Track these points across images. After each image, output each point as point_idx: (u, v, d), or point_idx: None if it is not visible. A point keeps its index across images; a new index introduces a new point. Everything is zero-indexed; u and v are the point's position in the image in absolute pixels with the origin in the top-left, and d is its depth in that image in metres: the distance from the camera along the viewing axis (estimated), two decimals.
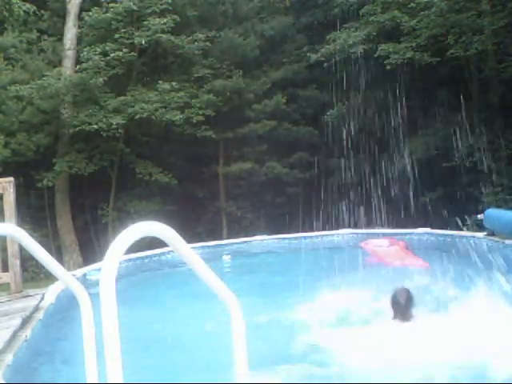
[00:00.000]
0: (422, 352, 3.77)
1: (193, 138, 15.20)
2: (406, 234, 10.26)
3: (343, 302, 5.39)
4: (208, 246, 9.69)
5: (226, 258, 9.59)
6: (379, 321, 4.57)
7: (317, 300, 5.58)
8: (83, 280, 6.70)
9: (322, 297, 5.63)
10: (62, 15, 15.31)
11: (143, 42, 14.08)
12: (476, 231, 10.13)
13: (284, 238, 11.38)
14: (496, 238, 8.42)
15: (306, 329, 4.69)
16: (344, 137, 17.02)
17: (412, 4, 13.09)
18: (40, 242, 2.18)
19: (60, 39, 15.09)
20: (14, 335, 4.37)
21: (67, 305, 5.26)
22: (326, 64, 14.89)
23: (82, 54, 14.12)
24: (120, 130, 13.75)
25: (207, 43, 15.22)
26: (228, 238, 13.97)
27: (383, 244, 9.89)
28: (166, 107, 14.03)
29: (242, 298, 2.15)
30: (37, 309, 5.36)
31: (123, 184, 15.01)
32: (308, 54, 15.73)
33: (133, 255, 8.16)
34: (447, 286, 5.84)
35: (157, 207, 14.08)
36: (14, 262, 6.07)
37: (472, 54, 12.74)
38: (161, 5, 14.32)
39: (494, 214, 8.82)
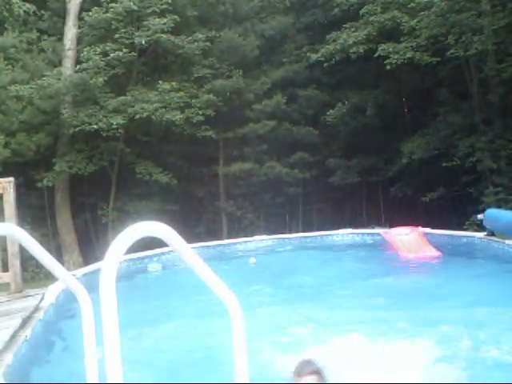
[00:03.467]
0: None
1: (193, 138, 15.19)
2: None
3: None
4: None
5: (252, 260, 9.82)
6: None
7: None
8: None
9: None
10: (62, 15, 15.29)
11: (143, 42, 14.06)
12: (476, 231, 10.15)
13: (284, 238, 11.44)
14: (496, 238, 8.43)
15: None
16: (344, 137, 17.04)
17: (412, 4, 13.08)
18: (40, 242, 2.17)
19: (60, 39, 15.07)
20: (14, 335, 4.37)
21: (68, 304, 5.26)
22: (326, 64, 14.89)
23: (82, 54, 14.10)
24: (120, 130, 13.74)
25: (207, 43, 15.20)
26: (228, 238, 13.98)
27: (403, 232, 9.95)
28: (165, 107, 14.02)
29: None
30: (37, 309, 5.36)
31: (123, 184, 15.00)
32: (308, 54, 15.73)
33: None
34: None
35: (157, 207, 14.07)
36: (14, 262, 6.08)
37: (472, 53, 12.73)
38: (161, 5, 14.30)
39: (494, 214, 8.83)
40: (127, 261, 8.63)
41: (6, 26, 14.21)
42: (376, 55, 13.57)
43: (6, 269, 6.14)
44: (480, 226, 9.73)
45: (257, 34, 16.62)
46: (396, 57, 13.16)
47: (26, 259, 7.48)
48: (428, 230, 10.30)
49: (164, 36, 14.19)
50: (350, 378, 3.71)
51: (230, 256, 10.38)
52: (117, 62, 14.03)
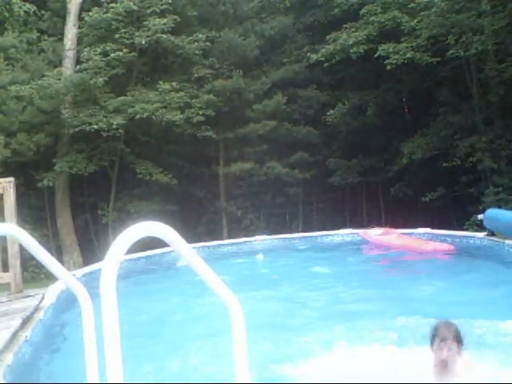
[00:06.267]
0: None
1: (193, 138, 15.19)
2: (406, 233, 10.31)
3: None
4: None
5: (260, 256, 9.84)
6: None
7: None
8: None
9: None
10: (62, 15, 15.29)
11: (143, 42, 14.07)
12: (476, 231, 10.15)
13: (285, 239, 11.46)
14: (496, 238, 8.43)
15: None
16: (344, 137, 17.03)
17: (412, 4, 13.09)
18: (40, 242, 2.17)
19: (60, 39, 15.07)
20: (14, 335, 4.37)
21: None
22: (326, 64, 14.89)
23: (82, 54, 14.11)
24: (120, 130, 13.74)
25: (207, 43, 15.21)
26: (228, 238, 13.98)
27: (378, 232, 10.21)
28: (166, 107, 14.02)
29: None
30: (37, 309, 5.36)
31: (123, 184, 15.01)
32: (308, 54, 15.73)
33: None
34: None
35: (157, 207, 14.07)
36: (14, 263, 6.07)
37: (472, 53, 12.74)
38: (161, 5, 14.31)
39: (493, 214, 8.83)
40: None
41: (5, 26, 14.20)
42: (376, 55, 13.57)
43: (6, 269, 6.14)
44: (480, 226, 9.74)
45: (257, 34, 16.63)
46: (396, 57, 13.16)
47: (26, 259, 7.48)
48: (428, 229, 10.32)
49: (164, 36, 14.20)
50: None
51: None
52: (117, 62, 14.03)
